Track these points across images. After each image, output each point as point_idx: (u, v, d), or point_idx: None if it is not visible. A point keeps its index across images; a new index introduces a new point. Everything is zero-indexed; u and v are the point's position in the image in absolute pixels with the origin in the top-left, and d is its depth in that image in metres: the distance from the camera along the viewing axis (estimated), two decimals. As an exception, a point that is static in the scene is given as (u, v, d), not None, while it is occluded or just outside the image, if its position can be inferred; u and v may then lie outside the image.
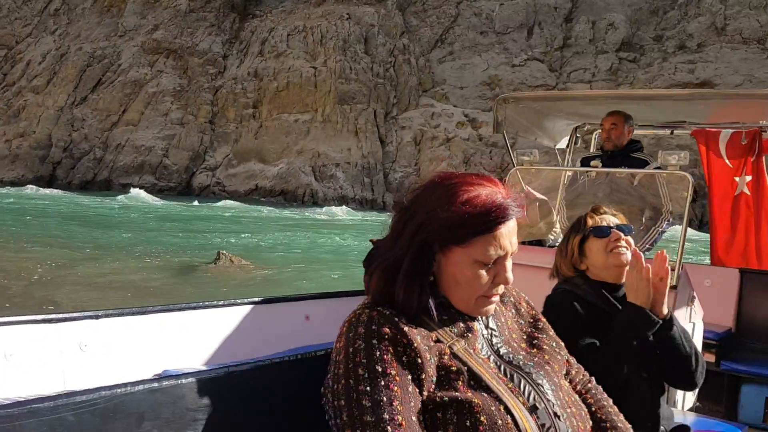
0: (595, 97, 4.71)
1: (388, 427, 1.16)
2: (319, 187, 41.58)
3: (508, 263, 1.37)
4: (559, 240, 3.58)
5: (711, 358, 4.26)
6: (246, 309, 2.53)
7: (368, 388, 1.21)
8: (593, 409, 1.51)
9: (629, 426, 1.52)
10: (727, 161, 5.07)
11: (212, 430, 1.41)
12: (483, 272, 1.34)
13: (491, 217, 1.31)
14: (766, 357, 4.33)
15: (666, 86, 38.71)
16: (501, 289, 1.39)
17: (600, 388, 1.60)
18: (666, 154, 3.53)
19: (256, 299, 2.47)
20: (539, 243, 4.36)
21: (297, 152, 43.08)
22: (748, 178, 5.03)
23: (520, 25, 45.58)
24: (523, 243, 4.38)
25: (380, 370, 1.22)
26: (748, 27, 41.34)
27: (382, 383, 1.21)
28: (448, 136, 42.06)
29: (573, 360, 1.63)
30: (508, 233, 1.34)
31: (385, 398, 1.19)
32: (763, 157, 5.03)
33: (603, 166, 4.25)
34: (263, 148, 44.02)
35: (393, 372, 1.22)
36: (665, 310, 2.05)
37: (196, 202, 35.44)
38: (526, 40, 45.22)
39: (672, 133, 5.35)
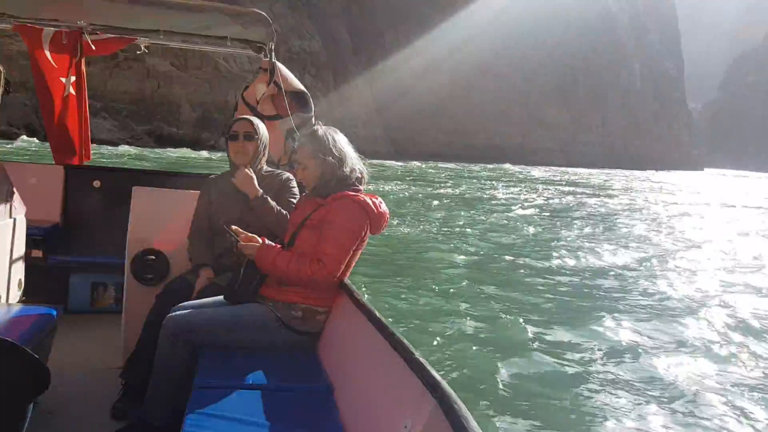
0: None
1: None
2: None
3: None
4: None
5: (39, 253, 4.31)
6: None
7: None
8: None
9: None
10: (52, 61, 5.03)
11: None
12: None
13: None
14: (91, 248, 4.65)
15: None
16: None
17: None
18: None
19: None
20: None
21: None
22: (73, 78, 5.14)
23: None
24: None
25: None
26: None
27: None
28: None
29: None
30: None
31: None
32: (85, 59, 5.21)
33: None
34: None
35: None
36: None
37: None
38: None
39: (-6, 27, 4.95)
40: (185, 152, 35.48)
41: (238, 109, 4.47)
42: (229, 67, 43.47)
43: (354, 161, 2.81)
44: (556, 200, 20.50)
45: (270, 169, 3.49)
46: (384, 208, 2.79)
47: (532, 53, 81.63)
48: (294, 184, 3.40)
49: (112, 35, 5.04)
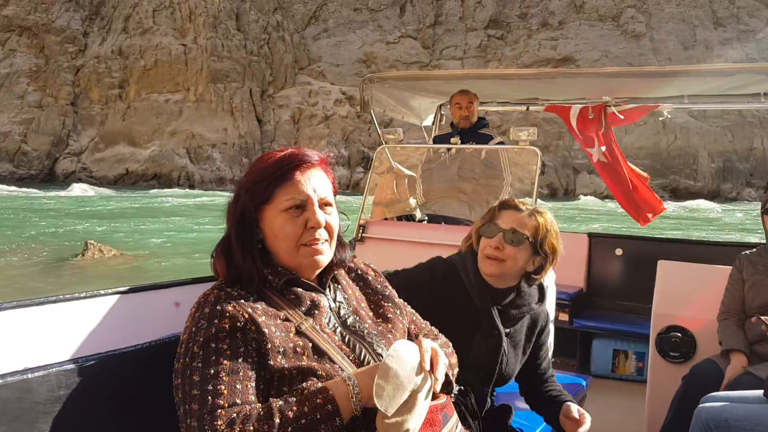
0: (455, 77, 4.91)
1: (209, 397, 1.22)
2: (195, 169, 40.24)
3: (316, 208, 1.43)
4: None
5: (565, 317, 4.63)
6: (112, 299, 2.46)
7: (200, 365, 1.26)
8: None
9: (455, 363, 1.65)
10: (578, 134, 5.46)
11: (68, 421, 1.41)
12: (293, 218, 1.41)
13: (284, 165, 1.43)
14: (612, 313, 4.77)
15: (531, 62, 40.62)
16: (320, 234, 1.44)
17: (447, 341, 1.71)
18: (517, 130, 3.77)
19: (121, 288, 2.42)
20: (410, 218, 4.52)
21: (170, 133, 41.37)
22: (603, 148, 5.44)
23: (392, 2, 45.99)
24: (397, 218, 4.53)
25: (213, 346, 1.27)
26: (604, 5, 44.16)
27: (213, 358, 1.26)
28: (326, 113, 41.94)
29: (421, 321, 1.73)
30: (308, 179, 1.44)
31: (212, 371, 1.25)
32: (612, 129, 5.46)
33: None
34: (132, 130, 41.90)
35: (225, 346, 1.28)
36: None
37: (61, 192, 33.21)
38: (399, 18, 45.73)
39: (528, 109, 5.67)
40: (701, 204, 33.46)
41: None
42: (754, 111, 39.56)
43: None
44: None
45: None
46: None
47: None
48: None
49: (635, 105, 5.17)
